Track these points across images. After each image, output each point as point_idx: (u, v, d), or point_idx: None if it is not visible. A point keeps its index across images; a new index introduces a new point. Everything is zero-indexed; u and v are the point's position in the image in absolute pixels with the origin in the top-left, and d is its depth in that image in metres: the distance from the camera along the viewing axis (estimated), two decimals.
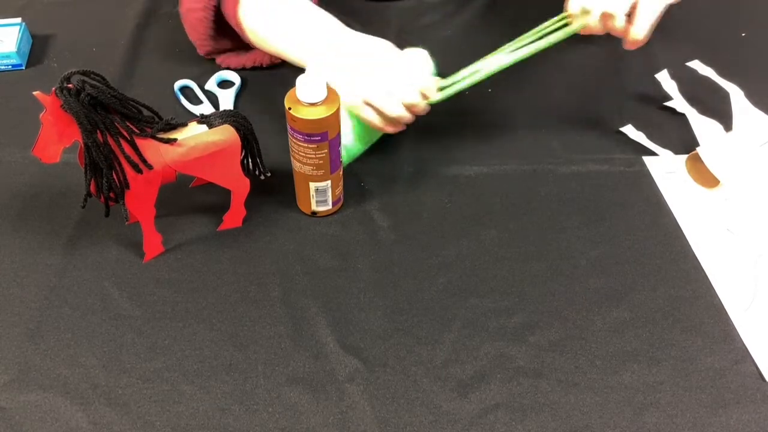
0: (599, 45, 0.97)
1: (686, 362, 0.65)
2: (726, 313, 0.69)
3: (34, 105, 0.60)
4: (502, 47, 0.77)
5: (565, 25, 0.75)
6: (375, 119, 0.73)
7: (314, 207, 0.75)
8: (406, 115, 0.74)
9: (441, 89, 0.75)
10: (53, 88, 0.60)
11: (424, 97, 0.73)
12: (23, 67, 0.94)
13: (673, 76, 0.91)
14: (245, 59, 0.91)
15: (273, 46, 0.79)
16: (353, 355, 0.65)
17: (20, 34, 0.94)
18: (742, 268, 0.73)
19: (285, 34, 0.77)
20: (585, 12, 0.72)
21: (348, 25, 0.94)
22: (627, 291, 0.71)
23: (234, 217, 0.75)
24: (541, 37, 0.75)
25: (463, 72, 0.77)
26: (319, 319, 0.68)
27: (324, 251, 0.73)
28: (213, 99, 0.90)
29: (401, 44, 0.98)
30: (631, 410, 0.62)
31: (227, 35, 0.89)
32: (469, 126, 0.82)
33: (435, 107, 0.77)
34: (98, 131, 0.62)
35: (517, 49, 0.76)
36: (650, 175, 0.82)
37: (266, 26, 0.79)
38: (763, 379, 0.64)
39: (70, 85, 0.60)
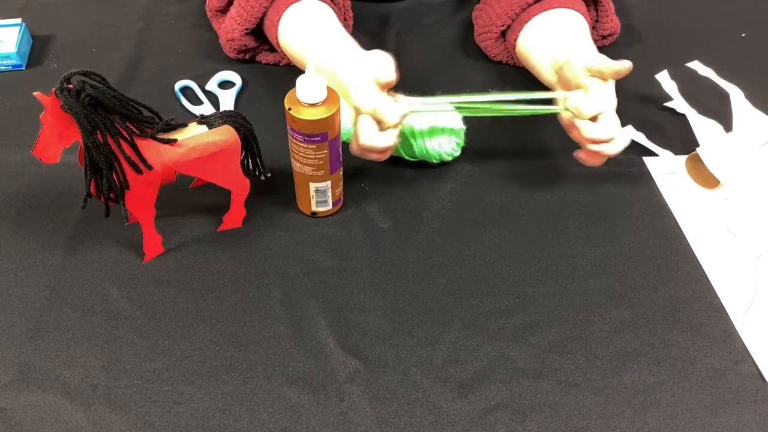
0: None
1: (686, 362, 0.65)
2: (726, 313, 0.69)
3: (34, 105, 0.60)
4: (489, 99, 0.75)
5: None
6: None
7: (314, 207, 0.75)
8: (373, 145, 0.70)
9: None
10: (53, 89, 0.60)
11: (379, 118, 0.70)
12: (23, 68, 0.94)
13: (673, 77, 0.91)
14: (279, 57, 0.93)
15: (302, 64, 0.83)
16: (353, 356, 0.65)
17: (20, 35, 0.94)
18: (742, 268, 0.73)
19: (308, 54, 0.81)
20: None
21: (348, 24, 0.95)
22: (627, 291, 0.71)
23: (234, 217, 0.75)
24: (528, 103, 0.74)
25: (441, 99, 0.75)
26: (319, 319, 0.68)
27: (324, 251, 0.73)
28: (213, 99, 0.90)
29: (401, 44, 0.99)
30: (631, 411, 0.62)
31: (258, 43, 0.93)
32: (468, 126, 0.82)
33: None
34: (98, 132, 0.62)
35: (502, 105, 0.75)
36: (650, 175, 0.82)
37: (296, 47, 0.83)
38: (763, 379, 0.64)
39: (70, 86, 0.60)
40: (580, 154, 0.74)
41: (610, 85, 0.73)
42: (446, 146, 0.79)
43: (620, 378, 0.64)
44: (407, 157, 0.80)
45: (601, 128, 0.71)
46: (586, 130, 0.71)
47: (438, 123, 0.77)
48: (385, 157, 0.73)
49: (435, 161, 0.80)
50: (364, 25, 1.01)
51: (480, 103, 0.74)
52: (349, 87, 0.71)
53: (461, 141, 0.80)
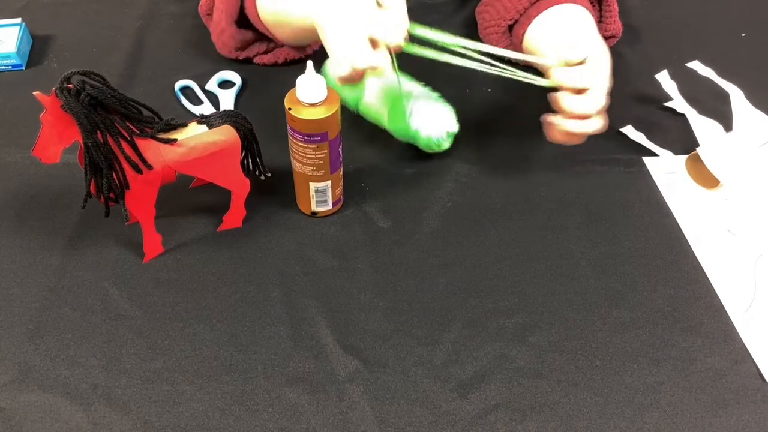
0: None
1: (686, 362, 0.65)
2: (726, 313, 0.69)
3: (34, 105, 0.60)
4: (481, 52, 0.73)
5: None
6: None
7: (314, 207, 0.75)
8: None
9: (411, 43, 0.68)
10: (53, 89, 0.60)
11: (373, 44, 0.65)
12: (23, 68, 0.94)
13: (673, 77, 0.91)
14: (275, 56, 0.93)
15: (286, 21, 0.82)
16: (353, 356, 0.65)
17: (20, 35, 0.94)
18: (742, 268, 0.73)
19: (290, 8, 0.80)
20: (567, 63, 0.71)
21: None
22: (627, 291, 0.71)
23: (234, 217, 0.75)
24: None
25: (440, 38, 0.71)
26: (319, 319, 0.68)
27: (324, 251, 0.73)
28: (213, 99, 0.90)
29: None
30: (631, 410, 0.62)
31: (249, 38, 0.93)
32: (468, 126, 0.82)
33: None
34: (98, 131, 0.62)
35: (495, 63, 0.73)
36: (650, 175, 0.82)
37: (276, 8, 0.83)
38: (763, 379, 0.64)
39: (70, 86, 0.60)
40: (546, 118, 0.72)
41: (604, 65, 0.71)
42: (434, 129, 0.78)
43: (620, 378, 0.64)
44: (394, 130, 0.80)
45: (579, 101, 0.69)
46: (563, 100, 0.69)
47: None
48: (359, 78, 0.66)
49: (422, 144, 0.80)
50: None
51: (472, 51, 0.71)
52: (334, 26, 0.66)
53: (452, 125, 0.79)
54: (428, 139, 0.79)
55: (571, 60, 0.71)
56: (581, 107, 0.69)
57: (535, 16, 0.85)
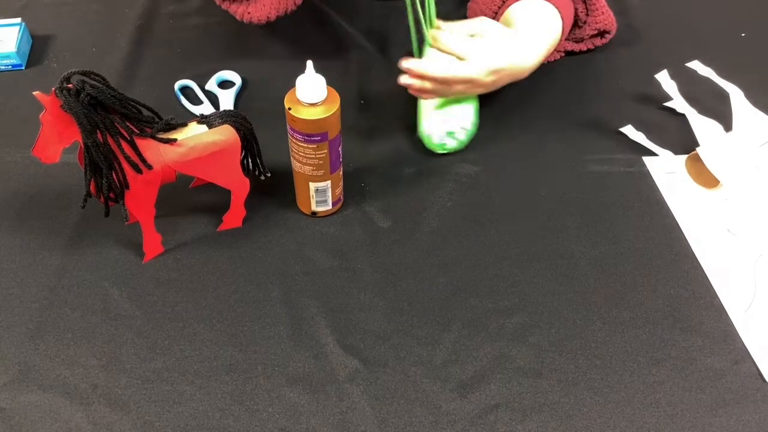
0: (598, 46, 0.97)
1: (686, 362, 0.65)
2: (726, 313, 0.69)
3: (34, 105, 0.60)
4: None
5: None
6: None
7: (314, 207, 0.75)
8: None
9: None
10: (53, 88, 0.60)
11: None
12: (23, 67, 0.94)
13: (673, 76, 0.91)
14: (268, 8, 0.88)
15: None
16: (353, 355, 0.65)
17: (20, 34, 0.94)
18: (742, 268, 0.73)
19: None
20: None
21: (349, 23, 0.95)
22: (627, 291, 0.71)
23: (234, 217, 0.75)
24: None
25: None
26: (319, 319, 0.68)
27: (324, 251, 0.73)
28: (213, 99, 0.90)
29: (403, 43, 0.99)
30: (631, 410, 0.62)
31: None
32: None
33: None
34: (98, 131, 0.62)
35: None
36: (650, 175, 0.82)
37: None
38: (763, 379, 0.64)
39: (70, 85, 0.60)
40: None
41: (498, 50, 0.77)
42: (453, 123, 0.81)
43: (620, 377, 0.64)
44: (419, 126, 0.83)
45: (425, 63, 0.77)
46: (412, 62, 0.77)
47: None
48: None
49: (433, 142, 0.82)
50: (364, 25, 1.01)
51: None
52: None
53: (471, 127, 0.81)
54: (428, 138, 0.81)
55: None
56: (423, 66, 0.76)
57: (501, 15, 0.86)
